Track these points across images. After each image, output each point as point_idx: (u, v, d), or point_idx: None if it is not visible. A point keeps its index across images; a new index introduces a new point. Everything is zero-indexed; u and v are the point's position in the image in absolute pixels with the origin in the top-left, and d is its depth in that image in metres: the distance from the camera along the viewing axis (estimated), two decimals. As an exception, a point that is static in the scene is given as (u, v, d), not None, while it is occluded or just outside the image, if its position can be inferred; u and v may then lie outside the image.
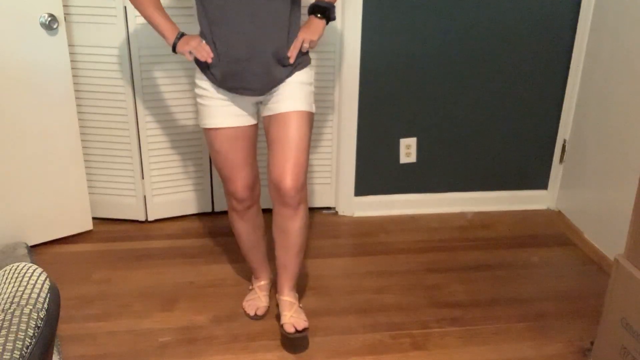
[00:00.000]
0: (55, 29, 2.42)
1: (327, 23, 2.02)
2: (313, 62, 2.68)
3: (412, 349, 2.15)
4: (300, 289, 2.41)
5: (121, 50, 2.59)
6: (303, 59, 2.01)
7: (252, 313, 2.28)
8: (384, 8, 2.71)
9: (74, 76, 2.58)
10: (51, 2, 2.38)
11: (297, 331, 2.05)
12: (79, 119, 2.67)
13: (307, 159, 2.02)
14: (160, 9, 2.01)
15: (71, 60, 2.55)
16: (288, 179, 1.96)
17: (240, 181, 2.09)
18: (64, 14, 2.46)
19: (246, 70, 1.92)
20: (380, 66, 2.81)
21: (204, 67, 1.98)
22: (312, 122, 2.05)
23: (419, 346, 2.16)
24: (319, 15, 1.99)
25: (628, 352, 1.83)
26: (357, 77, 2.80)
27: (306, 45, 1.97)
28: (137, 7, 2.01)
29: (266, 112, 2.03)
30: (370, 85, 2.83)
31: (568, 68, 2.92)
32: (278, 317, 2.17)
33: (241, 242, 2.27)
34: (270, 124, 2.02)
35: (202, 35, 1.96)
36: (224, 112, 2.00)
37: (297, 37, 1.96)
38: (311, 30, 1.98)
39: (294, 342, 2.11)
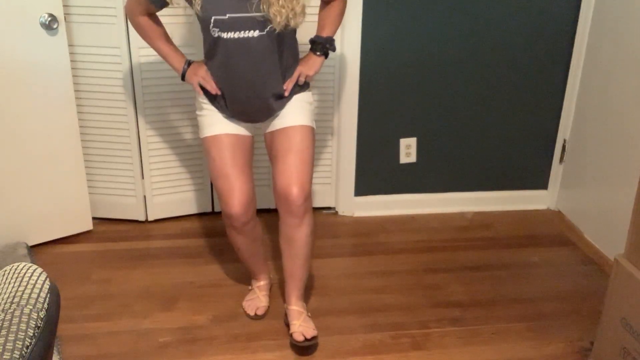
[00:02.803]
0: (55, 29, 2.42)
1: (326, 57, 2.10)
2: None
3: (412, 349, 2.15)
4: (300, 289, 2.41)
5: (121, 50, 2.59)
6: (298, 89, 2.08)
7: (252, 313, 2.28)
8: (384, 8, 2.71)
9: (74, 76, 2.58)
10: (51, 2, 2.38)
11: (306, 339, 2.07)
12: (79, 119, 2.66)
13: (312, 171, 2.06)
14: (167, 38, 2.09)
15: (71, 60, 2.55)
16: (294, 187, 1.98)
17: (237, 195, 2.02)
18: (64, 14, 2.46)
19: (248, 107, 2.02)
20: (380, 66, 2.81)
21: (211, 98, 2.05)
22: (314, 138, 2.10)
23: (419, 346, 2.16)
24: (317, 53, 2.06)
25: (628, 352, 1.83)
26: (357, 77, 2.80)
27: (302, 79, 2.05)
28: (144, 38, 2.08)
29: (269, 129, 2.10)
30: (370, 85, 2.83)
31: (568, 68, 2.92)
32: (287, 325, 2.17)
33: (240, 252, 2.25)
34: (273, 139, 2.08)
35: (209, 67, 2.03)
36: (223, 121, 2.07)
37: (295, 71, 2.04)
38: (308, 65, 2.06)
39: (304, 350, 2.11)
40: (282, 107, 2.05)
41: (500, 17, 2.79)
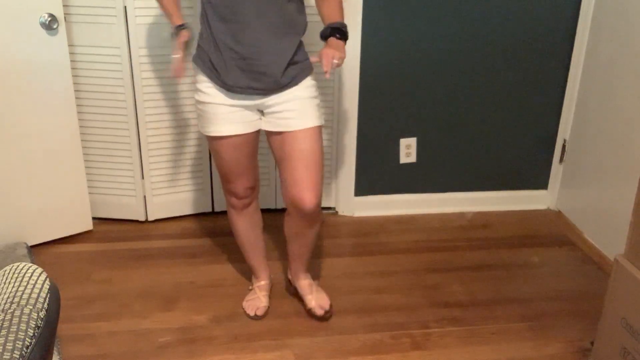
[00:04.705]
0: (55, 29, 2.42)
1: (345, 42, 1.99)
2: (313, 62, 2.68)
3: (412, 349, 2.15)
4: (300, 289, 2.42)
5: (121, 50, 2.59)
6: (305, 65, 1.99)
7: (252, 313, 2.29)
8: (384, 8, 2.71)
9: (74, 76, 2.58)
10: (51, 2, 2.38)
11: (325, 312, 2.27)
12: (79, 119, 2.66)
13: (323, 173, 2.03)
14: None
15: (71, 60, 2.55)
16: (308, 198, 1.98)
17: (241, 184, 2.12)
18: (64, 14, 2.46)
19: (252, 68, 1.91)
20: (380, 66, 2.81)
21: (205, 60, 1.95)
22: (322, 136, 2.06)
23: (419, 346, 2.16)
24: (337, 35, 1.96)
25: (628, 352, 1.83)
26: (357, 77, 2.80)
27: (337, 61, 1.88)
28: None
29: (276, 128, 2.00)
30: (370, 85, 2.83)
31: (568, 68, 2.92)
32: (291, 292, 2.39)
33: (240, 239, 2.28)
34: (283, 141, 2.00)
35: (205, 33, 1.94)
36: (229, 119, 1.99)
37: (323, 53, 1.89)
38: (335, 47, 1.92)
39: (324, 319, 2.29)
40: (288, 77, 1.94)
41: (500, 17, 2.79)
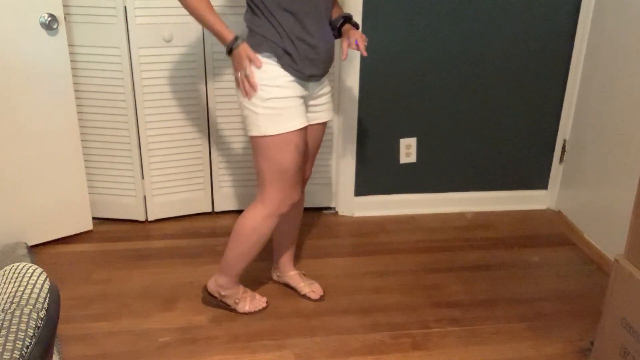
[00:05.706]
0: (55, 29, 2.42)
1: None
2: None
3: (412, 349, 2.15)
4: (300, 289, 2.42)
5: (121, 50, 2.59)
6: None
7: (264, 305, 2.32)
8: (384, 8, 2.71)
9: (74, 76, 2.58)
10: (51, 2, 2.38)
11: (320, 296, 2.41)
12: (79, 119, 2.67)
13: None
14: (214, 10, 1.94)
15: (71, 60, 2.55)
16: (310, 170, 2.26)
17: (300, 182, 2.11)
18: (64, 14, 2.46)
19: (318, 56, 1.96)
20: (380, 66, 2.81)
21: (279, 52, 1.91)
22: None
23: (419, 346, 2.16)
24: (352, 22, 2.06)
25: (628, 352, 1.83)
26: (357, 77, 2.80)
27: (364, 42, 2.00)
28: (196, 9, 1.90)
29: (312, 121, 2.12)
30: (370, 85, 2.84)
31: (568, 68, 2.92)
32: (284, 285, 2.47)
33: (256, 247, 2.15)
34: (311, 133, 2.15)
35: (269, 25, 1.89)
36: (303, 111, 2.00)
37: (354, 34, 1.99)
38: (357, 33, 2.01)
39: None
40: (330, 65, 2.06)
41: (501, 17, 2.79)
